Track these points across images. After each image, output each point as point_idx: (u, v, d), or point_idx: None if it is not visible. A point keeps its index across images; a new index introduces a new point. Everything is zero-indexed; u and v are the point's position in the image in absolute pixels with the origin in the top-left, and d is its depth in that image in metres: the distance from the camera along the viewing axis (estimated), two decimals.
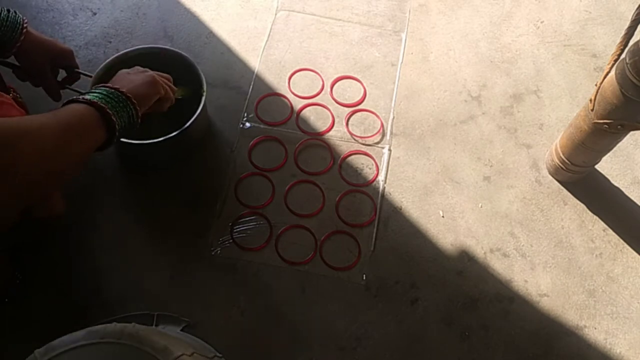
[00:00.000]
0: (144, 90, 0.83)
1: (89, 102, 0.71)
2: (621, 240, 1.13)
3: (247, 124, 1.22)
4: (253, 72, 1.29)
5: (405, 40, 1.35)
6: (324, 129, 1.23)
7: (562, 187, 1.19)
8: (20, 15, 0.89)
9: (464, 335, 1.04)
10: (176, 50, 1.11)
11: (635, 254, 1.12)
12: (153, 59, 1.11)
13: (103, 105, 0.71)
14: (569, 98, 1.29)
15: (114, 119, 0.72)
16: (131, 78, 0.84)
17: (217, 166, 1.18)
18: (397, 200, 1.16)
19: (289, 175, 1.17)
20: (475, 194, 1.17)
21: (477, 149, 1.22)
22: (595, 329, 1.05)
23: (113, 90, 0.76)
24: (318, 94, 1.27)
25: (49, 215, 0.93)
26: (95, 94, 0.74)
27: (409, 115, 1.25)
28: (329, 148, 1.21)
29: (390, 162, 1.20)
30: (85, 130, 0.69)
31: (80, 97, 0.72)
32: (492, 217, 1.15)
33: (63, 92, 1.04)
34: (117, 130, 0.73)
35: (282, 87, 1.28)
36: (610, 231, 1.14)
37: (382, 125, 1.24)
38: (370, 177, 1.18)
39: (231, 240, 1.10)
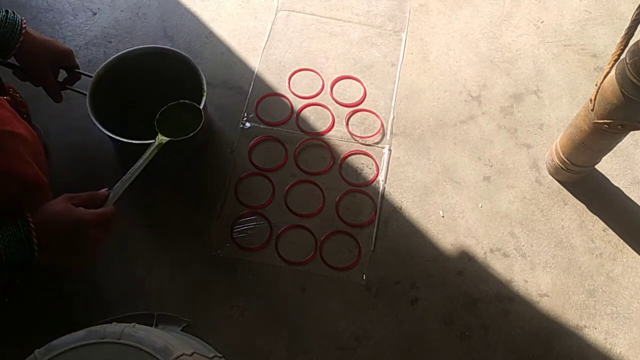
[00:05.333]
0: (64, 253, 0.77)
1: None
2: (621, 240, 1.13)
3: (247, 124, 1.22)
4: (253, 72, 1.29)
5: (405, 40, 1.35)
6: (324, 129, 1.23)
7: (562, 187, 1.19)
8: (19, 16, 0.89)
9: (464, 335, 1.04)
10: (176, 50, 1.11)
11: (635, 254, 1.12)
12: (153, 59, 1.12)
13: None
14: (569, 98, 1.29)
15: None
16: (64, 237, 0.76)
17: (217, 166, 1.18)
18: (397, 200, 1.16)
19: (289, 175, 1.17)
20: (475, 194, 1.17)
21: (477, 149, 1.22)
22: (595, 329, 1.05)
23: (19, 226, 0.72)
24: (318, 94, 1.27)
25: None
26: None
27: (409, 115, 1.25)
28: (329, 148, 1.21)
29: (390, 162, 1.20)
30: None
31: None
32: (492, 217, 1.15)
33: (64, 93, 1.04)
34: None
35: (282, 87, 1.28)
36: (610, 231, 1.14)
37: (382, 125, 1.24)
38: (370, 177, 1.18)
39: (231, 240, 1.10)
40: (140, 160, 0.91)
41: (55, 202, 0.78)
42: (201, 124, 0.98)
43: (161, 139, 0.94)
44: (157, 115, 0.96)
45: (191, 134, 0.97)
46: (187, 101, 0.99)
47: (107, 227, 0.81)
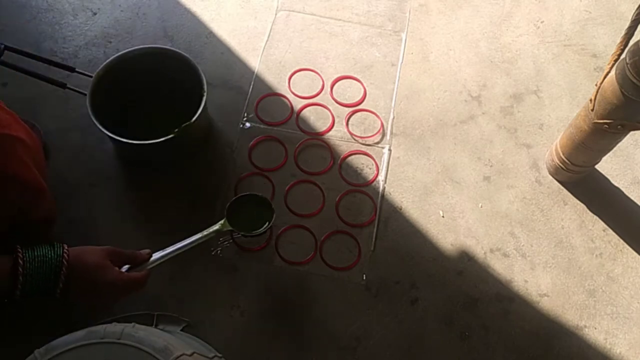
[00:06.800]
0: (92, 297, 0.78)
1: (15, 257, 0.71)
2: (621, 240, 1.13)
3: (247, 124, 1.22)
4: (253, 72, 1.29)
5: (405, 40, 1.35)
6: (324, 129, 1.23)
7: (562, 187, 1.19)
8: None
9: (464, 335, 1.04)
10: (176, 50, 1.11)
11: (635, 254, 1.12)
12: (153, 59, 1.12)
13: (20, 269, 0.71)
14: (569, 98, 1.29)
15: (20, 280, 0.71)
16: (93, 283, 0.76)
17: (217, 166, 1.18)
18: (397, 200, 1.16)
19: (289, 175, 1.17)
20: (475, 194, 1.17)
21: (477, 149, 1.22)
22: (595, 329, 1.05)
23: (55, 260, 0.73)
24: (318, 94, 1.27)
25: (44, 218, 0.90)
26: (32, 254, 0.72)
27: (409, 115, 1.25)
28: (329, 148, 1.21)
29: (390, 162, 1.20)
30: None
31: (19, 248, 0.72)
32: (492, 217, 1.15)
33: (64, 92, 1.03)
34: (17, 289, 0.71)
35: (282, 87, 1.28)
36: (610, 231, 1.14)
37: (382, 125, 1.24)
38: (370, 177, 1.18)
39: (231, 240, 1.10)
40: (192, 238, 0.94)
41: (96, 252, 0.78)
42: (272, 219, 1.04)
43: (224, 225, 1.00)
44: (228, 205, 1.03)
45: (262, 230, 1.03)
46: (259, 194, 1.06)
47: (135, 290, 0.82)
